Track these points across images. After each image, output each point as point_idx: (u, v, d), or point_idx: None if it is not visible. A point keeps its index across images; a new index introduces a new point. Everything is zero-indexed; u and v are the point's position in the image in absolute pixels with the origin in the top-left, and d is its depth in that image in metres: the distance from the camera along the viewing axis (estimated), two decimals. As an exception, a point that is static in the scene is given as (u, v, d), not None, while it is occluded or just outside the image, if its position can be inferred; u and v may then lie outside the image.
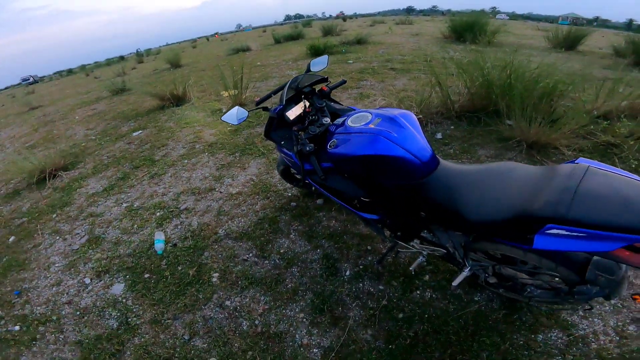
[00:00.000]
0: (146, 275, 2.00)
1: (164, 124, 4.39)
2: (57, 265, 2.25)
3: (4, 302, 2.01)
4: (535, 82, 2.66)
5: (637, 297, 0.96)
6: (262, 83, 5.52)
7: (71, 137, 5.02)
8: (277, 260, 1.94)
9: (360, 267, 1.82)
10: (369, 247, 1.92)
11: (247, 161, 2.99)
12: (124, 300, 1.87)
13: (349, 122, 1.39)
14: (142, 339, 1.64)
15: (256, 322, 1.64)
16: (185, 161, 3.20)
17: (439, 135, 2.90)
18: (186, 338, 1.61)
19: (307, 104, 1.64)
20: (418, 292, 1.67)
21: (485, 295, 1.60)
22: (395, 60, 5.66)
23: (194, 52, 16.04)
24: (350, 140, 1.31)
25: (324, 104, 1.65)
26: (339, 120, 1.48)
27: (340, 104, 1.76)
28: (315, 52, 7.03)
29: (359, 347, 1.48)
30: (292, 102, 1.64)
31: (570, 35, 6.50)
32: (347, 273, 1.80)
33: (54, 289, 2.06)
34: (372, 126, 1.29)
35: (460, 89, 3.12)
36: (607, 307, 1.51)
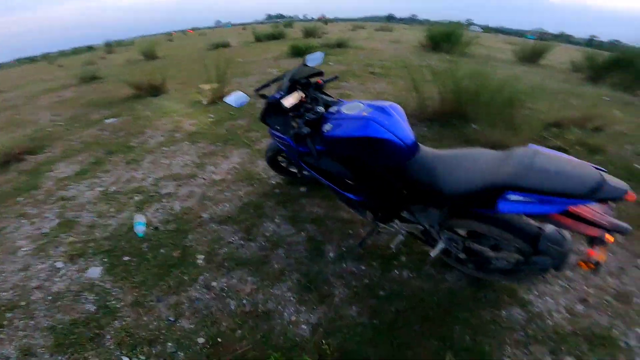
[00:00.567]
0: (125, 258, 1.96)
1: (141, 112, 4.26)
2: (24, 249, 2.13)
3: (-35, 287, 1.88)
4: (498, 91, 2.94)
5: (582, 263, 1.13)
6: (244, 79, 5.51)
7: (36, 122, 4.70)
8: (262, 243, 1.99)
9: (344, 249, 1.92)
10: (350, 231, 2.03)
11: (230, 151, 3.00)
12: (102, 284, 1.81)
13: (343, 110, 1.54)
14: (124, 322, 1.60)
15: (244, 301, 1.67)
16: (165, 149, 3.14)
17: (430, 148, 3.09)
18: (172, 319, 1.60)
19: (303, 94, 1.74)
20: (396, 271, 1.79)
21: (454, 274, 1.75)
22: (375, 65, 5.87)
23: (171, 45, 15.49)
24: (344, 124, 1.45)
25: (318, 95, 1.76)
26: (334, 108, 1.62)
27: (332, 97, 1.87)
28: (297, 52, 7.11)
29: (345, 323, 1.56)
30: (288, 92, 1.73)
31: (535, 49, 7.07)
32: (331, 254, 1.89)
33: (21, 274, 1.95)
34: (365, 114, 1.44)
35: (434, 94, 3.35)
36: (557, 288, 1.71)
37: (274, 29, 12.16)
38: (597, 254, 1.09)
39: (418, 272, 1.78)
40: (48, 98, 6.28)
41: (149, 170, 2.82)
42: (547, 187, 1.05)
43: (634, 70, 5.06)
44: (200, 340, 1.52)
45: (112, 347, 1.50)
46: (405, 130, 1.42)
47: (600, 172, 1.06)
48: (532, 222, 1.34)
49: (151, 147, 3.23)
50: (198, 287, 1.76)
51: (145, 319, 1.62)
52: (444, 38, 6.95)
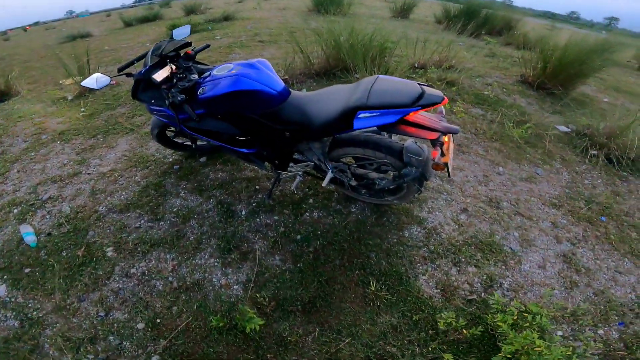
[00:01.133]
0: (27, 270, 1.75)
1: (-13, 121, 3.45)
2: None
3: None
4: (369, 43, 3.30)
5: (435, 166, 1.35)
6: (115, 66, 4.87)
7: None
8: (172, 219, 1.97)
9: (254, 205, 2.03)
10: (257, 187, 2.15)
11: (114, 140, 2.73)
12: (12, 299, 1.62)
13: (215, 72, 1.62)
14: (55, 328, 1.50)
15: (170, 279, 1.68)
16: (33, 154, 2.68)
17: (304, 91, 3.28)
18: (102, 315, 1.54)
19: (174, 67, 1.70)
20: (307, 214, 1.98)
21: (358, 206, 2.01)
22: (263, 33, 5.81)
23: (9, 45, 12.33)
24: (217, 85, 1.54)
25: (190, 64, 1.75)
26: (206, 74, 1.67)
27: (206, 64, 1.86)
28: (178, 30, 6.50)
29: (273, 273, 1.69)
30: (157, 67, 1.67)
31: (405, 6, 8.18)
32: (243, 212, 1.99)
33: None
34: (234, 72, 1.54)
35: (319, 53, 3.57)
36: (441, 202, 2.04)
37: (148, 12, 10.69)
38: (441, 157, 1.31)
39: (327, 210, 1.99)
40: None
41: (20, 179, 2.41)
42: (385, 103, 1.33)
43: (479, 19, 6.29)
44: (140, 325, 1.50)
45: (56, 353, 1.42)
46: (274, 79, 1.57)
47: (422, 86, 1.37)
48: (396, 140, 1.64)
49: (15, 155, 2.71)
50: (117, 278, 1.69)
51: (74, 320, 1.53)
52: (327, 1, 7.22)
